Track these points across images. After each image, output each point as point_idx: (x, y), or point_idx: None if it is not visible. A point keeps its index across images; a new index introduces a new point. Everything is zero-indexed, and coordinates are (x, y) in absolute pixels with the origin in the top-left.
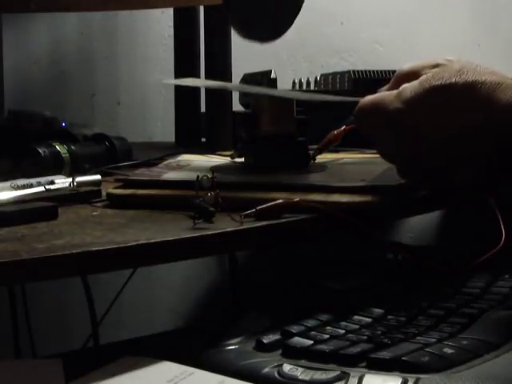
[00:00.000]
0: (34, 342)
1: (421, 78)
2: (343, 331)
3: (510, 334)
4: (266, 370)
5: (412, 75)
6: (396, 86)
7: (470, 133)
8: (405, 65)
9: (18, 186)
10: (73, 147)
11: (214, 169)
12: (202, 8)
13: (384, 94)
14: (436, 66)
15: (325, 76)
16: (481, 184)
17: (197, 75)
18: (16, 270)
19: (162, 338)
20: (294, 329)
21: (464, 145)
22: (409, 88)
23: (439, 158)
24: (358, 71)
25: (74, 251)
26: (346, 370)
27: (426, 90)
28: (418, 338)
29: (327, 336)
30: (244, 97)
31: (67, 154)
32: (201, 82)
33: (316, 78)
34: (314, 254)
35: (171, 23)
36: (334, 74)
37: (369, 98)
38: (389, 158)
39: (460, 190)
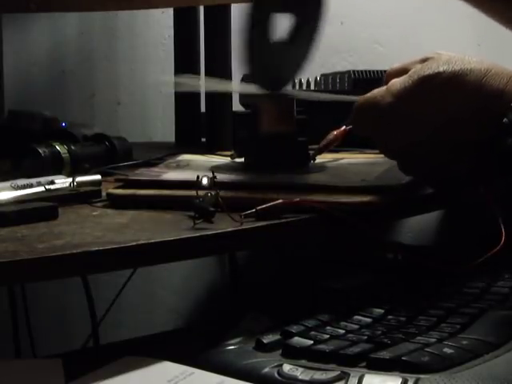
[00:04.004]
0: (33, 342)
1: (409, 73)
2: (343, 331)
3: (510, 334)
4: (266, 369)
5: (402, 72)
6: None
7: (460, 120)
8: (395, 64)
9: (18, 186)
10: (73, 147)
11: (214, 169)
12: (201, 8)
13: (375, 92)
14: (425, 60)
15: (325, 76)
16: (474, 173)
17: (197, 75)
18: (16, 269)
19: (162, 338)
20: (294, 329)
21: (455, 132)
22: (398, 81)
23: (433, 147)
24: (358, 71)
25: (74, 251)
26: (346, 369)
27: (414, 81)
28: (418, 337)
29: (327, 336)
30: (244, 97)
31: (67, 154)
32: (199, 83)
33: (316, 77)
34: (314, 254)
35: (171, 23)
36: (334, 74)
37: (361, 98)
38: (390, 154)
39: (456, 182)
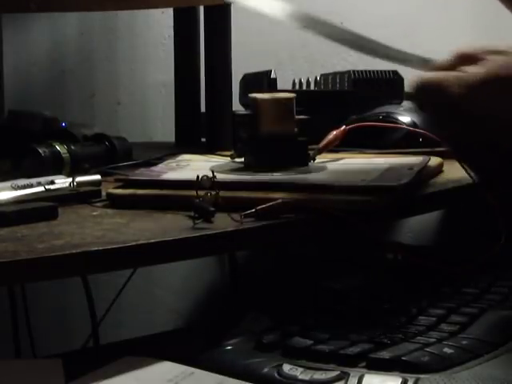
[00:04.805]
0: (33, 342)
1: (486, 65)
2: (343, 331)
3: (510, 334)
4: (266, 369)
5: (472, 58)
6: (454, 66)
7: None
8: (462, 46)
9: (18, 186)
10: (73, 147)
11: (214, 169)
12: (201, 8)
13: (448, 75)
14: (497, 52)
15: (325, 76)
16: None
17: (197, 75)
18: (16, 269)
19: (162, 338)
20: (294, 329)
21: None
22: (475, 75)
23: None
24: (358, 71)
25: (74, 251)
26: (346, 370)
27: (493, 81)
28: (418, 337)
29: (327, 336)
30: (244, 97)
31: (67, 154)
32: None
33: (316, 77)
34: (314, 254)
35: (171, 23)
36: (334, 74)
37: (430, 75)
38: (458, 152)
39: None
